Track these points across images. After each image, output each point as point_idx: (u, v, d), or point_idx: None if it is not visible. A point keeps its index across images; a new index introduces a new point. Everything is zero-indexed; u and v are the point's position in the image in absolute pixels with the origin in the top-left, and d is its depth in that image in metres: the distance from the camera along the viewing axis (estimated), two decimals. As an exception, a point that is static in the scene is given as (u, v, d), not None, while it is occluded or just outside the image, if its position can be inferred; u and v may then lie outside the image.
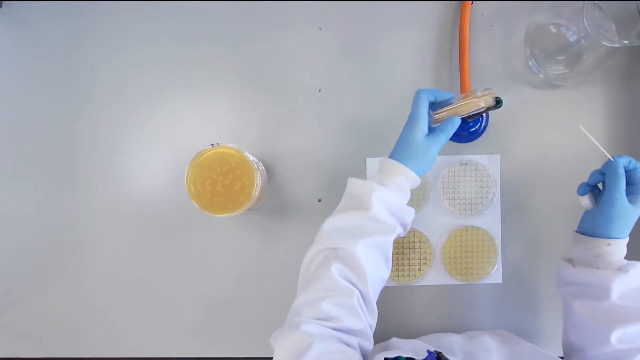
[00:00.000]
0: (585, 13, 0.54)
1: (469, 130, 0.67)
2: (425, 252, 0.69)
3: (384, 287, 0.68)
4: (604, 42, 0.54)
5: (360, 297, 0.48)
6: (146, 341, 0.71)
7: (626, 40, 0.54)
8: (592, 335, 0.51)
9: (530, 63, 0.65)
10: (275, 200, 0.69)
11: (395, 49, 0.68)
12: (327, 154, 0.68)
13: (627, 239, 0.52)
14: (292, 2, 0.67)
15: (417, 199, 0.68)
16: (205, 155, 0.58)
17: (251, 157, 0.60)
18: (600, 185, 0.57)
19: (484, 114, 0.67)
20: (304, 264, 0.53)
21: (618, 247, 0.51)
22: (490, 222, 0.69)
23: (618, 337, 0.49)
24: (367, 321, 0.48)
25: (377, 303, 0.52)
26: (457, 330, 0.69)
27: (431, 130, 0.54)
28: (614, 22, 0.55)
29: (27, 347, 0.71)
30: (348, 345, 0.45)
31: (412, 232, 0.68)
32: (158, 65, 0.68)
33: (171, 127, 0.69)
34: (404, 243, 0.69)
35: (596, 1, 0.54)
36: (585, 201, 0.55)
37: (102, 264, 0.70)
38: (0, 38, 0.69)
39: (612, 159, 0.52)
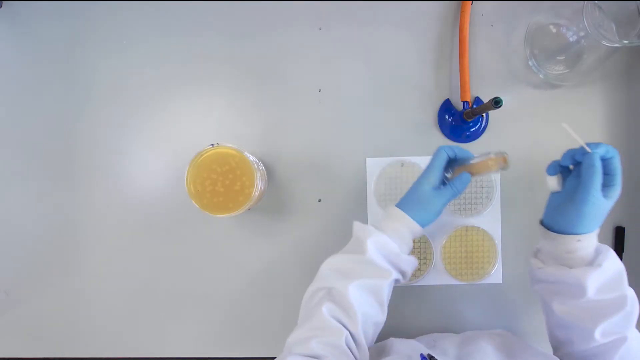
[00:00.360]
0: (585, 13, 0.54)
1: (469, 130, 0.67)
2: (425, 252, 0.69)
3: (384, 287, 0.69)
4: (604, 42, 0.54)
5: (349, 337, 0.48)
6: (146, 341, 0.71)
7: (626, 40, 0.54)
8: (577, 332, 0.51)
9: (530, 63, 0.65)
10: (275, 200, 0.69)
11: (395, 49, 0.68)
12: (327, 154, 0.68)
13: (598, 230, 0.50)
14: (292, 2, 0.68)
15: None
16: (205, 155, 0.58)
17: (251, 157, 0.60)
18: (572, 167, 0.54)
19: (484, 114, 0.67)
20: (303, 300, 0.54)
21: (589, 241, 0.49)
22: (490, 222, 0.69)
23: (602, 332, 0.48)
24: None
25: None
26: (457, 330, 0.69)
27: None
28: (614, 22, 0.55)
29: (27, 347, 0.71)
30: None
31: (412, 232, 0.69)
32: (158, 65, 0.68)
33: (171, 127, 0.69)
34: (404, 243, 0.69)
35: (596, 1, 0.54)
36: (553, 182, 0.51)
37: (102, 264, 0.70)
38: (0, 38, 0.69)
39: (588, 149, 0.48)
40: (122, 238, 0.70)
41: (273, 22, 0.68)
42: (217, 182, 0.58)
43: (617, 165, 0.49)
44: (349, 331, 0.48)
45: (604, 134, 0.68)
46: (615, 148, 0.49)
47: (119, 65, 0.69)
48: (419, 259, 0.69)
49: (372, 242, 0.52)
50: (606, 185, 0.49)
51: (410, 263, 0.55)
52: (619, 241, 0.68)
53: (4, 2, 0.68)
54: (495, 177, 0.68)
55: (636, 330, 0.50)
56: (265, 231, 0.69)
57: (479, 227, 0.68)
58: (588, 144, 0.48)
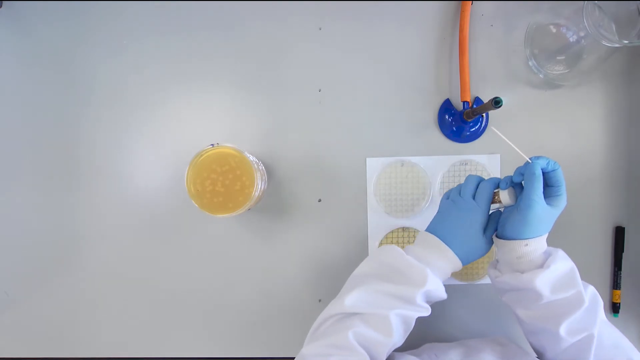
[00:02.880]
0: (585, 13, 0.54)
1: (469, 130, 0.67)
2: (425, 252, 0.69)
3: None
4: (604, 42, 0.54)
5: None
6: (146, 341, 0.71)
7: (626, 40, 0.54)
8: (545, 336, 0.52)
9: (530, 63, 0.65)
10: (275, 200, 0.69)
11: (395, 49, 0.68)
12: (327, 154, 0.69)
13: (546, 235, 0.52)
14: (292, 2, 0.68)
15: (417, 198, 0.68)
16: (205, 155, 0.58)
17: (251, 157, 0.60)
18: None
19: (484, 114, 0.67)
20: (320, 318, 0.53)
21: (537, 245, 0.51)
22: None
23: (566, 329, 0.50)
24: None
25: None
26: (457, 331, 0.69)
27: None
28: (614, 22, 0.55)
29: (27, 347, 0.71)
30: None
31: (412, 232, 0.68)
32: (158, 66, 0.68)
33: (171, 127, 0.69)
34: (404, 243, 0.69)
35: (596, 1, 0.54)
36: (505, 196, 0.53)
37: (102, 264, 0.70)
38: (0, 38, 0.69)
39: (530, 161, 0.51)
40: (122, 238, 0.70)
41: (273, 22, 0.68)
42: (217, 182, 0.58)
43: (561, 177, 0.52)
44: (374, 354, 0.49)
45: (604, 134, 0.68)
46: (557, 162, 0.52)
47: (119, 65, 0.69)
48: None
49: (425, 291, 0.51)
50: (552, 195, 0.52)
51: (442, 299, 0.54)
52: (619, 241, 0.68)
53: (4, 2, 0.68)
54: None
55: (607, 327, 0.51)
56: (265, 231, 0.69)
57: (479, 227, 0.68)
58: (532, 157, 0.52)
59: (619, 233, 0.68)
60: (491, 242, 0.55)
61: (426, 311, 0.52)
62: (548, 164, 0.51)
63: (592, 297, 0.51)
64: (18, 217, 0.70)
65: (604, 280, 0.69)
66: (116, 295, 0.70)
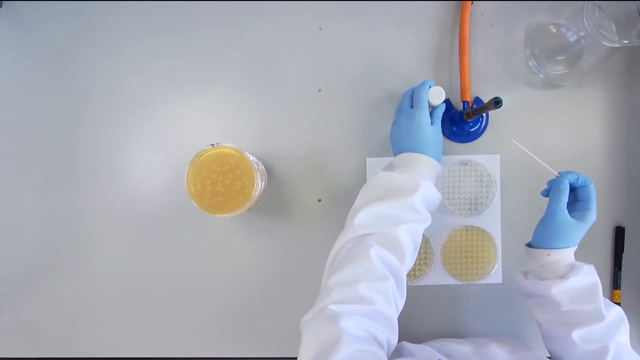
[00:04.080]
0: (585, 13, 0.54)
1: (469, 130, 0.67)
2: (425, 252, 0.69)
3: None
4: (604, 42, 0.54)
5: (394, 283, 0.48)
6: (146, 341, 0.71)
7: (626, 40, 0.54)
8: (559, 341, 0.53)
9: (530, 63, 0.65)
10: (275, 200, 0.69)
11: (395, 49, 0.68)
12: (327, 154, 0.68)
13: (574, 248, 0.54)
14: (292, 2, 0.67)
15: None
16: (205, 155, 0.58)
17: (251, 157, 0.60)
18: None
19: (484, 114, 0.67)
20: (334, 250, 0.52)
21: (559, 256, 0.53)
22: (490, 222, 0.69)
23: (579, 336, 0.50)
24: (396, 309, 0.49)
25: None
26: (457, 330, 0.69)
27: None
28: (614, 22, 0.55)
29: (27, 347, 0.71)
30: (377, 341, 0.45)
31: (412, 232, 0.68)
32: (158, 66, 0.68)
33: (171, 127, 0.69)
34: (404, 243, 0.69)
35: (596, 1, 0.54)
36: (431, 95, 0.59)
37: (102, 264, 0.70)
38: (0, 38, 0.69)
39: (558, 175, 0.54)
40: (122, 238, 0.69)
41: (273, 22, 0.68)
42: (217, 182, 0.58)
43: (591, 193, 0.53)
44: (396, 272, 0.49)
45: (604, 134, 0.68)
46: (591, 180, 0.54)
47: (119, 65, 0.68)
48: (419, 258, 0.69)
49: (420, 195, 0.53)
50: (580, 209, 0.54)
51: (439, 203, 0.58)
52: (619, 241, 0.68)
53: (4, 2, 0.68)
54: (495, 178, 0.68)
55: (628, 350, 0.51)
56: (265, 231, 0.69)
57: (479, 227, 0.68)
58: (561, 172, 0.54)
59: (619, 233, 0.68)
60: (439, 130, 0.60)
61: (427, 219, 0.54)
62: (578, 179, 0.53)
63: (616, 317, 0.52)
64: (18, 217, 0.70)
65: (604, 280, 0.69)
66: (116, 295, 0.70)
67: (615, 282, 0.69)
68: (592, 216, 0.53)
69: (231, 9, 0.68)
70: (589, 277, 0.52)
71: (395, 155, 0.61)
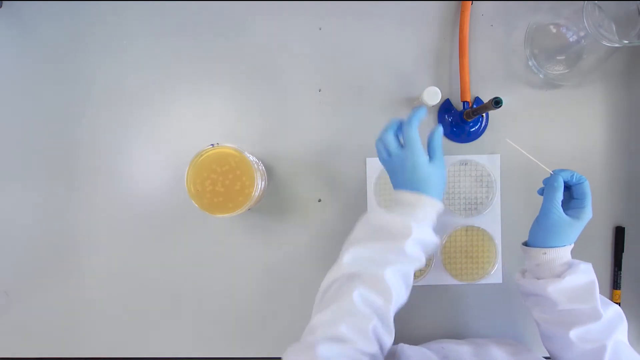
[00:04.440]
0: (585, 13, 0.54)
1: (469, 130, 0.67)
2: (425, 252, 0.69)
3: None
4: (604, 42, 0.54)
5: (377, 323, 0.48)
6: (146, 341, 0.71)
7: (626, 40, 0.54)
8: (557, 341, 0.53)
9: (530, 63, 0.65)
10: (275, 200, 0.69)
11: (395, 49, 0.68)
12: (327, 154, 0.68)
13: (570, 246, 0.54)
14: (292, 2, 0.67)
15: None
16: (205, 155, 0.58)
17: (251, 157, 0.60)
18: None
19: (484, 114, 0.67)
20: (321, 288, 0.53)
21: (555, 255, 0.53)
22: (490, 222, 0.69)
23: (577, 335, 0.50)
24: (380, 347, 0.48)
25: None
26: (457, 331, 0.69)
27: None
28: (614, 22, 0.55)
29: (27, 347, 0.71)
30: None
31: (412, 232, 0.68)
32: (158, 66, 0.68)
33: (171, 127, 0.69)
34: (404, 243, 0.69)
35: (596, 1, 0.54)
36: (425, 97, 0.60)
37: (102, 264, 0.70)
38: (0, 38, 0.69)
39: (552, 173, 0.54)
40: (122, 238, 0.69)
41: (273, 22, 0.68)
42: (217, 182, 0.58)
43: (587, 191, 0.53)
44: (381, 314, 0.48)
45: (604, 134, 0.68)
46: (585, 177, 0.54)
47: (119, 65, 0.68)
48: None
49: (413, 240, 0.50)
50: (575, 207, 0.54)
51: (436, 247, 0.54)
52: (619, 241, 0.68)
53: (4, 2, 0.68)
54: (495, 178, 0.68)
55: (627, 349, 0.51)
56: (265, 231, 0.69)
57: (479, 227, 0.68)
58: (555, 170, 0.54)
59: (619, 233, 0.68)
60: (442, 165, 0.54)
61: (419, 262, 0.52)
62: (572, 176, 0.53)
63: (614, 315, 0.52)
64: (18, 217, 0.70)
65: (604, 280, 0.69)
66: (116, 295, 0.70)
67: (615, 282, 0.69)
68: (588, 214, 0.53)
69: (231, 9, 0.68)
70: (585, 276, 0.52)
71: (394, 187, 0.56)
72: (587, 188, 0.53)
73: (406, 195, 0.53)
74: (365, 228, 0.55)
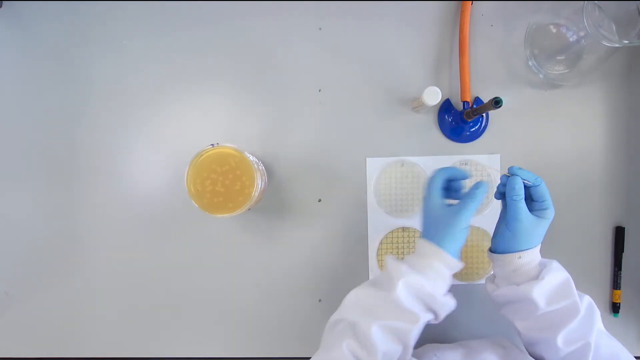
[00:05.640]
0: (585, 13, 0.54)
1: (469, 130, 0.67)
2: (425, 252, 0.69)
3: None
4: (604, 42, 0.54)
5: None
6: (146, 341, 0.71)
7: (626, 40, 0.54)
8: (543, 346, 0.52)
9: (530, 63, 0.65)
10: (275, 200, 0.69)
11: (395, 49, 0.68)
12: (327, 154, 0.68)
13: (539, 246, 0.53)
14: (292, 2, 0.68)
15: (418, 198, 0.68)
16: (205, 155, 0.58)
17: (251, 157, 0.60)
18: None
19: (484, 114, 0.67)
20: (328, 325, 0.53)
21: (530, 257, 0.52)
22: (490, 222, 0.68)
23: (563, 339, 0.50)
24: None
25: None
26: (457, 331, 0.69)
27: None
28: (614, 22, 0.55)
29: (27, 347, 0.71)
30: None
31: (412, 231, 0.68)
32: (158, 65, 0.68)
33: (171, 127, 0.69)
34: (404, 243, 0.69)
35: (596, 1, 0.54)
36: (425, 98, 0.58)
37: (102, 264, 0.70)
38: (0, 38, 0.69)
39: (508, 175, 0.52)
40: (122, 238, 0.69)
41: (273, 21, 0.68)
42: (217, 182, 0.58)
43: (545, 191, 0.52)
44: None
45: (604, 134, 0.68)
46: (539, 177, 0.52)
47: (119, 65, 0.69)
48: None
49: (403, 283, 0.49)
50: (538, 208, 0.52)
51: (445, 306, 0.51)
52: (619, 241, 0.68)
53: (4, 2, 0.68)
54: (495, 177, 0.68)
55: (605, 338, 0.51)
56: (265, 231, 0.69)
57: (478, 227, 0.68)
58: (511, 169, 0.52)
59: (619, 233, 0.68)
60: (464, 212, 0.52)
61: (416, 320, 0.49)
62: (529, 177, 0.52)
63: (588, 307, 0.51)
64: (18, 217, 0.70)
65: (604, 280, 0.69)
66: (116, 295, 0.70)
67: (615, 282, 0.69)
68: (551, 213, 0.52)
69: (231, 9, 0.68)
70: (560, 273, 0.52)
71: (422, 236, 0.55)
72: (545, 189, 0.52)
73: (425, 246, 0.52)
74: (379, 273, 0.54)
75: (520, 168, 0.52)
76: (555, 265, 0.53)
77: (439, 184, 0.54)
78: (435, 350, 0.58)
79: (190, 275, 0.70)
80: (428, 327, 0.69)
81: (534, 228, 0.52)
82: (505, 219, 0.53)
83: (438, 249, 0.51)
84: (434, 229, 0.52)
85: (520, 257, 0.52)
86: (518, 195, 0.51)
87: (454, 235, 0.51)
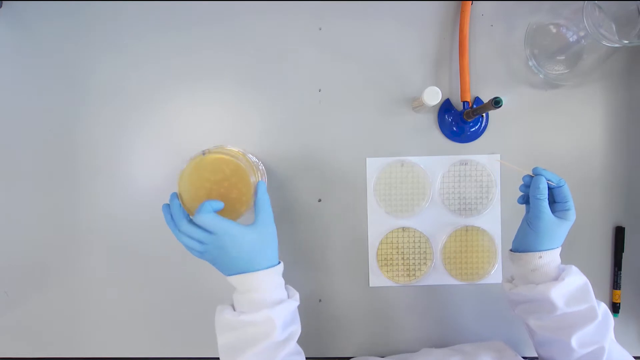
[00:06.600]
0: (585, 13, 0.54)
1: (469, 130, 0.67)
2: (425, 252, 0.69)
3: (384, 287, 0.69)
4: (604, 42, 0.54)
5: None
6: (146, 341, 0.71)
7: (626, 40, 0.54)
8: (556, 346, 0.53)
9: (530, 63, 0.65)
10: (275, 200, 0.69)
11: (395, 49, 0.68)
12: (327, 154, 0.68)
13: (559, 249, 0.54)
14: (292, 2, 0.67)
15: (417, 198, 0.68)
16: (194, 164, 0.53)
17: (252, 157, 0.59)
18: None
19: (484, 114, 0.67)
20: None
21: (550, 258, 0.53)
22: (490, 222, 0.69)
23: (578, 341, 0.50)
24: None
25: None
26: (457, 331, 0.69)
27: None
28: (614, 22, 0.55)
29: (27, 347, 0.71)
30: None
31: (412, 232, 0.68)
32: (158, 65, 0.68)
33: (171, 126, 0.69)
34: (403, 243, 0.69)
35: (596, 1, 0.54)
36: (425, 98, 0.59)
37: (102, 264, 0.70)
38: (0, 38, 0.69)
39: (533, 175, 0.54)
40: (122, 238, 0.69)
41: (273, 21, 0.68)
42: (212, 192, 0.54)
43: (567, 193, 0.53)
44: None
45: (604, 134, 0.68)
46: (563, 179, 0.54)
47: (119, 66, 0.68)
48: (419, 258, 0.69)
49: (281, 325, 0.51)
50: (560, 210, 0.54)
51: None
52: (619, 241, 0.68)
53: (4, 2, 0.68)
54: (495, 178, 0.68)
55: (617, 346, 0.52)
56: (265, 231, 0.69)
57: (479, 227, 0.68)
58: (536, 170, 0.54)
59: (619, 233, 0.68)
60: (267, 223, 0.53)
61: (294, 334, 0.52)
62: (552, 178, 0.53)
63: (605, 314, 0.52)
64: (18, 217, 0.70)
65: (604, 280, 0.69)
66: (116, 295, 0.70)
67: (615, 282, 0.69)
68: (573, 214, 0.53)
69: (231, 9, 0.68)
70: (579, 277, 0.53)
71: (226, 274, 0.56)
72: (568, 190, 0.54)
73: (238, 280, 0.53)
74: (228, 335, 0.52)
75: (544, 169, 0.53)
76: (575, 269, 0.54)
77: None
78: (431, 356, 0.58)
79: (190, 274, 0.70)
80: (427, 327, 0.69)
81: (555, 229, 0.53)
82: (528, 219, 0.54)
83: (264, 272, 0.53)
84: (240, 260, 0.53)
85: (540, 257, 0.53)
86: (542, 194, 0.52)
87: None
